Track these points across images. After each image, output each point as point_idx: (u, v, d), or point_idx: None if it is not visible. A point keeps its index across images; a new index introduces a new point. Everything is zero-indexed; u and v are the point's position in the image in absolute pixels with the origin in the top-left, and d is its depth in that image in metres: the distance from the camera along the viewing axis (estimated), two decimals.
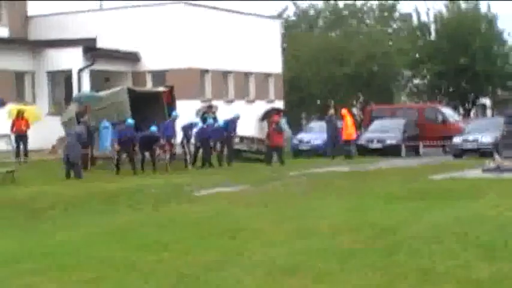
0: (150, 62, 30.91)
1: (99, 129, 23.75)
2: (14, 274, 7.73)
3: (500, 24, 41.35)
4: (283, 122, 32.02)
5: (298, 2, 51.27)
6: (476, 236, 8.96)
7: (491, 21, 41.04)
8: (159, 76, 30.64)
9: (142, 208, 13.46)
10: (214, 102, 30.59)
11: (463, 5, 41.47)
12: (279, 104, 36.35)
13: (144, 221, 11.70)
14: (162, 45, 30.32)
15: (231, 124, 26.20)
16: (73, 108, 24.96)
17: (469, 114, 41.79)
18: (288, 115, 36.39)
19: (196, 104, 30.10)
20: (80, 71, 28.45)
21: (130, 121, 22.67)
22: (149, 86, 30.29)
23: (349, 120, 28.97)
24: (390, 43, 46.42)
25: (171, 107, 26.18)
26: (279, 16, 45.40)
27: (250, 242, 9.11)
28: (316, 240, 9.04)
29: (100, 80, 29.59)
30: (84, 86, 28.31)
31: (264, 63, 35.22)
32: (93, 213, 12.85)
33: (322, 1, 51.94)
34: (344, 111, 29.44)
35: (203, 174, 21.52)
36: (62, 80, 30.03)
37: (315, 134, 31.41)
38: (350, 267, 7.34)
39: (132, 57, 30.89)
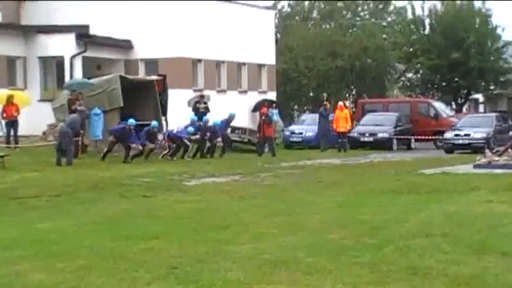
0: (142, 51, 30.75)
1: (89, 116, 23.60)
2: (1, 261, 7.68)
3: (494, 20, 41.46)
4: (275, 113, 31.99)
5: None
6: (466, 232, 8.98)
7: (485, 16, 41.10)
8: (151, 65, 30.50)
9: (133, 197, 13.42)
10: (207, 92, 30.50)
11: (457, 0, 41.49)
12: (272, 96, 36.28)
13: (134, 210, 11.66)
14: (155, 34, 30.15)
15: (226, 122, 26.01)
16: (64, 95, 24.85)
17: (461, 109, 41.86)
18: (280, 107, 36.34)
19: (189, 94, 30.00)
20: (72, 57, 28.29)
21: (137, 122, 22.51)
22: (141, 74, 30.14)
23: (344, 112, 29.02)
24: (384, 36, 46.41)
25: (163, 96, 26.14)
26: (273, 7, 45.27)
27: (241, 235, 9.09)
28: (306, 235, 9.02)
29: (92, 67, 29.44)
30: (76, 72, 28.15)
31: (257, 54, 35.10)
32: (83, 202, 12.79)
33: None
34: (341, 103, 29.46)
35: (195, 164, 21.47)
36: (53, 66, 29.83)
37: (307, 126, 31.47)
38: (340, 263, 7.32)
39: (125, 45, 30.72)
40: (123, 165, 20.85)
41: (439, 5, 41.65)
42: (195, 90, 30.88)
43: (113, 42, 30.29)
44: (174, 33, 30.32)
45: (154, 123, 23.13)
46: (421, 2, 44.97)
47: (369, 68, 42.98)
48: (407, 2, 43.89)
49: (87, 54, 28.62)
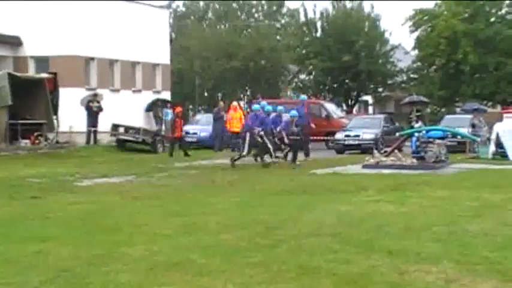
0: (32, 48, 29.96)
1: None
2: None
3: (383, 24, 42.84)
4: (169, 113, 31.85)
5: None
6: (355, 231, 9.23)
7: (374, 21, 42.38)
8: (42, 62, 29.75)
9: (23, 199, 13.07)
10: (100, 91, 30.03)
11: (348, 4, 42.58)
12: (166, 95, 36.12)
13: (25, 212, 11.35)
14: (46, 31, 29.44)
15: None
16: None
17: (352, 111, 42.97)
18: (174, 107, 36.19)
19: (81, 93, 29.45)
20: None
21: None
22: (31, 72, 29.34)
23: (238, 113, 29.20)
24: (278, 38, 47.05)
25: (54, 94, 25.57)
26: (168, 6, 45.04)
27: (134, 237, 9.03)
28: (201, 236, 9.05)
29: None
30: None
31: (152, 53, 34.87)
32: None
33: None
34: (235, 104, 29.66)
35: (87, 164, 21.10)
36: None
37: (201, 126, 31.47)
38: (233, 263, 7.40)
39: (13, 42, 29.82)
40: (11, 165, 20.24)
41: (330, 8, 42.64)
42: (87, 89, 30.35)
43: (0, 38, 29.30)
44: (66, 30, 29.69)
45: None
46: (313, 5, 45.88)
47: (263, 69, 43.46)
48: (300, 4, 44.66)
49: None
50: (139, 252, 8.01)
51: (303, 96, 28.00)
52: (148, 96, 34.65)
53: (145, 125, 31.93)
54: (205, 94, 44.01)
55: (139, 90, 34.54)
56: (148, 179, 16.99)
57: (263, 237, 8.87)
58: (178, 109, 27.27)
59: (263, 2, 52.56)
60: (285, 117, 22.52)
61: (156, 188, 14.94)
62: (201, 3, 52.66)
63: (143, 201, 12.76)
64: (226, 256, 7.74)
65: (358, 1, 42.52)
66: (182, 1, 51.92)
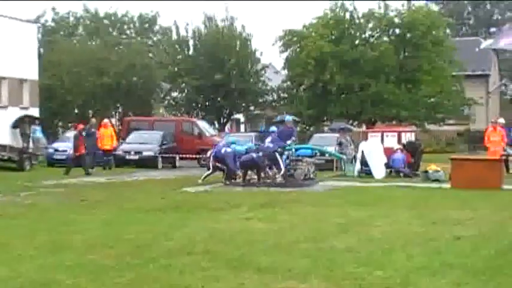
0: None
1: None
2: None
3: (254, 44, 43.53)
4: (37, 130, 30.98)
5: (58, 8, 50.06)
6: (226, 248, 9.32)
7: (245, 40, 43.01)
8: None
9: None
10: None
11: (220, 23, 43.01)
12: (34, 112, 35.06)
13: None
14: None
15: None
16: None
17: (224, 129, 43.32)
18: (43, 123, 35.21)
19: None
20: None
21: None
22: None
23: (109, 130, 28.82)
24: (150, 55, 46.79)
25: None
26: (36, 20, 43.86)
27: None
28: (68, 255, 8.85)
29: None
30: None
31: (19, 69, 33.80)
32: None
33: (82, 9, 51.32)
34: (106, 121, 29.22)
35: None
36: None
37: (71, 143, 30.74)
38: (101, 283, 7.29)
39: None
40: None
41: (202, 27, 42.91)
42: None
43: None
44: None
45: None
46: (185, 23, 46.04)
47: (135, 86, 43.02)
48: (172, 22, 44.68)
49: None
50: (4, 273, 7.74)
51: (288, 117, 24.92)
52: (15, 113, 33.51)
53: (12, 142, 30.85)
54: (76, 111, 43.03)
55: (6, 107, 33.36)
56: (13, 198, 16.41)
57: (133, 256, 8.78)
58: (80, 126, 26.69)
59: (135, 19, 52.22)
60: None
61: (21, 207, 14.45)
62: (71, 18, 51.65)
63: (7, 220, 12.32)
64: (94, 276, 7.61)
65: (230, 21, 43.06)
66: (51, 16, 50.74)
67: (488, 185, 17.81)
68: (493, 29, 73.03)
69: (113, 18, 51.49)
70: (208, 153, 22.84)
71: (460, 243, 9.63)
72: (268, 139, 21.57)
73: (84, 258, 8.65)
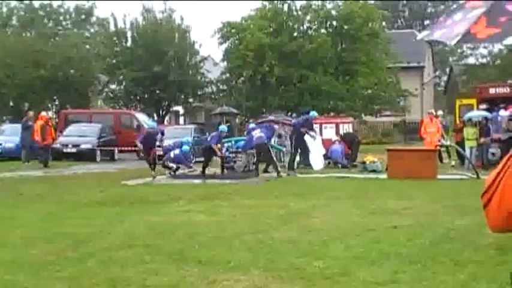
0: None
1: None
2: None
3: (193, 36, 43.34)
4: None
5: None
6: (166, 242, 9.31)
7: (184, 32, 42.83)
8: None
9: None
10: None
11: (158, 15, 42.73)
12: None
13: None
14: None
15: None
16: None
17: (163, 121, 43.07)
18: None
19: None
20: None
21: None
22: None
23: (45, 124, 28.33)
24: (88, 47, 46.12)
25: None
26: None
27: None
28: (6, 251, 8.72)
29: None
30: None
31: None
32: None
33: (16, 0, 50.21)
34: (43, 114, 28.76)
35: None
36: None
37: (7, 136, 30.20)
38: (40, 278, 7.22)
39: None
40: None
41: (140, 19, 42.55)
42: None
43: None
44: None
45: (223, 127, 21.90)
46: (123, 15, 45.56)
47: (72, 78, 42.33)
48: (109, 13, 44.17)
49: None
50: None
51: (313, 113, 23.48)
52: None
53: None
54: (11, 103, 42.13)
55: None
56: None
57: (72, 250, 8.72)
58: (45, 117, 26.83)
59: (71, 10, 51.36)
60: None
61: None
62: (4, 9, 50.49)
63: None
64: (33, 271, 7.53)
65: (168, 13, 42.81)
66: None
67: (424, 175, 18.22)
68: (427, 22, 74.54)
69: (48, 9, 50.48)
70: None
71: (397, 232, 9.84)
72: (257, 131, 21.79)
73: (23, 254, 8.54)
